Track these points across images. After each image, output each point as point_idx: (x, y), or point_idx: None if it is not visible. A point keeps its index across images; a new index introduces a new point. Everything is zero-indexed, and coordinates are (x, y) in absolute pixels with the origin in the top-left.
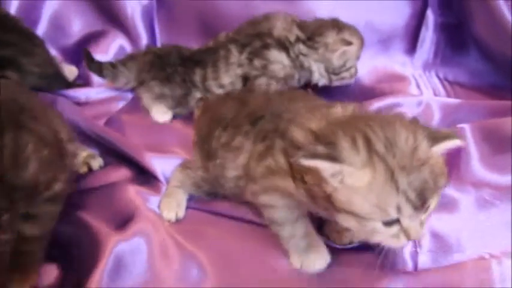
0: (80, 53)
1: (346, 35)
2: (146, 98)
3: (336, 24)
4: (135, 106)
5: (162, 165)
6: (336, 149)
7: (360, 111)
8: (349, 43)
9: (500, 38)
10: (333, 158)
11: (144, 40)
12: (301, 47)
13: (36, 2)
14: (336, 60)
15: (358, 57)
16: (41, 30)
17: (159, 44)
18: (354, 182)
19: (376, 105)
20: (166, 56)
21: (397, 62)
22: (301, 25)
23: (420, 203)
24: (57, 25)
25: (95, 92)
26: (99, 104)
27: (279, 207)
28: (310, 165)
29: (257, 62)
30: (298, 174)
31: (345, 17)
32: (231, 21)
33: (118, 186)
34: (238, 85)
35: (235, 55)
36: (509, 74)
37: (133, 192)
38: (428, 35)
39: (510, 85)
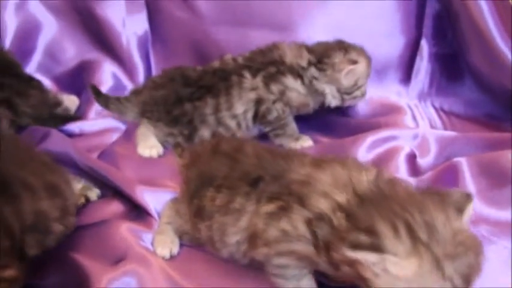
0: (75, 82)
1: (353, 55)
2: (145, 129)
3: (342, 45)
4: (129, 138)
5: (154, 199)
6: (379, 237)
7: (383, 177)
8: (354, 62)
9: (495, 68)
10: (377, 248)
11: (139, 69)
12: (313, 71)
13: (31, 31)
14: (344, 80)
15: (368, 75)
16: (36, 59)
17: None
18: (398, 271)
19: (372, 138)
20: (170, 89)
21: (392, 92)
22: (310, 49)
23: (465, 286)
24: (52, 54)
25: (88, 125)
26: (93, 137)
27: (291, 267)
28: (354, 256)
29: (274, 87)
30: (324, 245)
31: None
32: (227, 51)
33: (110, 223)
34: (250, 114)
35: (248, 78)
36: (506, 104)
37: (126, 229)
38: (423, 65)
39: (506, 115)
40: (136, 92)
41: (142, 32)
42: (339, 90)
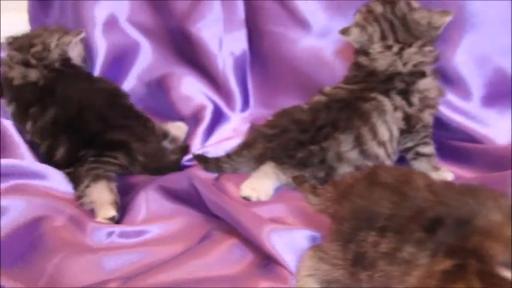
0: (167, 108)
1: None
2: (267, 169)
3: None
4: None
5: (284, 244)
6: None
7: None
8: None
9: None
10: None
11: (236, 94)
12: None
13: (122, 55)
14: None
15: None
16: (127, 85)
17: (251, 101)
18: None
19: None
20: (286, 139)
21: None
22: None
23: None
24: (144, 79)
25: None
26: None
27: None
28: None
29: (414, 99)
30: None
31: None
32: (331, 76)
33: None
34: (396, 133)
35: (382, 100)
36: None
37: None
38: None
39: None
40: (246, 146)
41: (240, 52)
42: None
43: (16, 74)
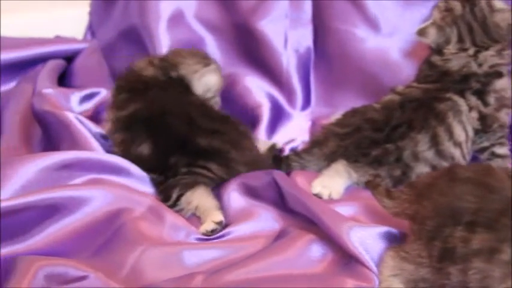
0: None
1: None
2: (339, 167)
3: None
4: None
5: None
6: None
7: None
8: None
9: None
10: None
11: (297, 92)
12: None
13: None
14: None
15: None
16: None
17: (313, 99)
18: None
19: None
20: (359, 137)
21: None
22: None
23: None
24: None
25: None
26: None
27: None
28: None
29: (490, 99)
30: None
31: None
32: (396, 77)
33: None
34: (471, 134)
35: (457, 100)
36: None
37: None
38: None
39: None
40: (317, 144)
41: (305, 50)
42: None
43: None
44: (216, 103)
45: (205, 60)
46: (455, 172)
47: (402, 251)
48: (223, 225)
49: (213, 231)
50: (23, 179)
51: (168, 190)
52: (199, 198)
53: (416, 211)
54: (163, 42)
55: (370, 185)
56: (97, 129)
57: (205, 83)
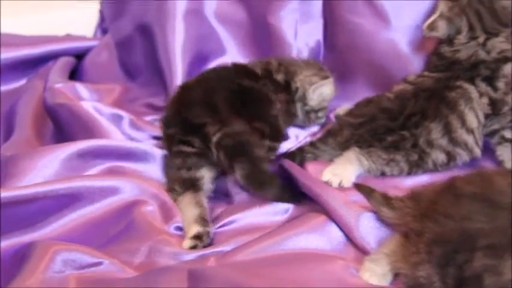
0: None
1: None
2: (351, 155)
3: None
4: None
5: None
6: None
7: None
8: None
9: None
10: None
11: None
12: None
13: (200, 42)
14: None
15: None
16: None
17: None
18: None
19: None
20: (375, 125)
21: None
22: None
23: None
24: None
25: None
26: None
27: None
28: None
29: (500, 84)
30: None
31: None
32: (405, 69)
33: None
34: (482, 119)
35: (468, 87)
36: None
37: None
38: None
39: None
40: (332, 134)
41: (315, 43)
42: None
43: None
44: (326, 112)
45: (322, 72)
46: (457, 187)
47: (405, 249)
48: (207, 235)
49: (192, 248)
50: (44, 171)
51: (171, 182)
52: (184, 209)
53: (421, 230)
54: (178, 37)
55: (363, 191)
56: (126, 114)
57: (321, 94)
